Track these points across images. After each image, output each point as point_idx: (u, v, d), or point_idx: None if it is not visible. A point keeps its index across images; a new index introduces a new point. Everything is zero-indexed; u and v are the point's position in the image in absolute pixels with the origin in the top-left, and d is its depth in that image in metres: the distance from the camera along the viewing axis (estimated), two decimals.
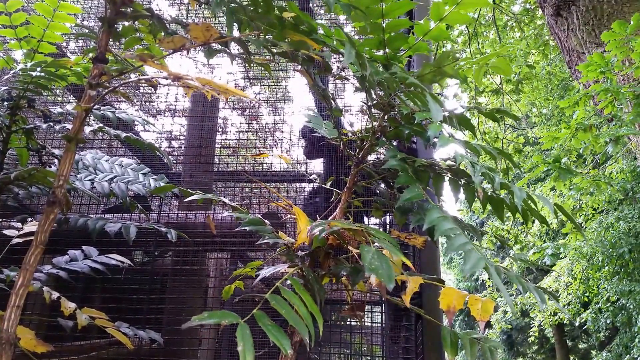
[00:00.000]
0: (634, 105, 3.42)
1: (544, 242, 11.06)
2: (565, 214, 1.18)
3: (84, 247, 1.89)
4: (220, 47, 1.16)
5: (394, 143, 1.27)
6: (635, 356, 10.79)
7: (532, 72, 9.33)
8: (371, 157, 1.26)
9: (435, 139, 1.04)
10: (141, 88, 3.49)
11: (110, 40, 1.15)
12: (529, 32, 9.22)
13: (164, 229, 1.97)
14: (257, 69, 3.29)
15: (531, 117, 12.84)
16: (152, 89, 3.46)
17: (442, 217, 0.95)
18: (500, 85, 8.86)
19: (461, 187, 1.12)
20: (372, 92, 1.08)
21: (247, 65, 1.25)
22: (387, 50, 1.12)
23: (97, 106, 1.93)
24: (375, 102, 1.11)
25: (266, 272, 1.00)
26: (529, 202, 1.10)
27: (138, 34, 1.24)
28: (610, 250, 10.16)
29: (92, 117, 1.93)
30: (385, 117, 1.13)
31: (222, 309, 3.22)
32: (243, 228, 1.11)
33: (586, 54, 4.21)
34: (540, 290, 1.03)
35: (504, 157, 1.24)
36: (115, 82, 1.15)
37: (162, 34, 1.15)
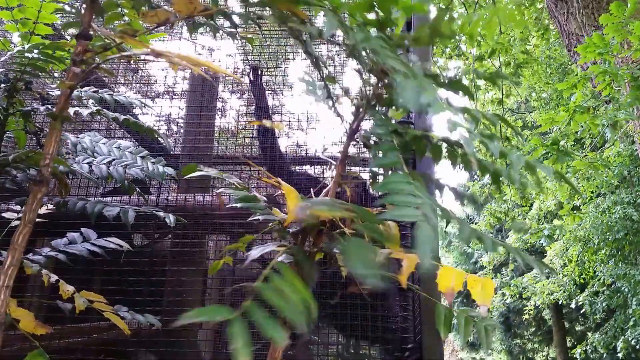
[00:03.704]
0: (632, 88, 3.42)
1: (541, 224, 11.11)
2: (565, 179, 1.15)
3: (82, 230, 1.89)
4: (205, 20, 1.14)
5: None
6: (629, 338, 10.89)
7: (532, 55, 9.29)
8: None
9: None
10: (140, 71, 3.48)
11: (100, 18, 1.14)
12: (529, 15, 9.16)
13: (162, 214, 1.97)
14: (257, 53, 3.27)
15: (530, 101, 12.81)
16: (151, 72, 3.45)
17: (401, 181, 0.85)
18: (499, 69, 8.83)
19: (459, 157, 1.05)
20: (365, 58, 1.05)
21: (243, 47, 1.23)
22: (380, 13, 1.05)
23: (94, 89, 1.93)
24: (369, 67, 1.07)
25: (256, 253, 0.98)
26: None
27: (120, 10, 1.22)
28: (607, 233, 10.21)
29: (90, 100, 1.92)
30: (379, 84, 1.09)
31: (221, 291, 3.23)
32: (237, 207, 1.10)
33: (585, 37, 4.20)
34: (541, 262, 0.98)
35: (503, 123, 1.19)
36: (99, 59, 1.13)
37: (145, 7, 1.13)
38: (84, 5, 1.12)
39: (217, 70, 1.09)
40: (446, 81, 1.02)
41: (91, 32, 1.12)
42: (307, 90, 1.15)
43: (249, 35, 1.28)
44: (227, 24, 1.19)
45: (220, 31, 1.22)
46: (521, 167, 0.95)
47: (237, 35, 1.21)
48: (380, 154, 0.93)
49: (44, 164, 1.03)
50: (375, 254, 0.84)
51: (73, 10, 1.35)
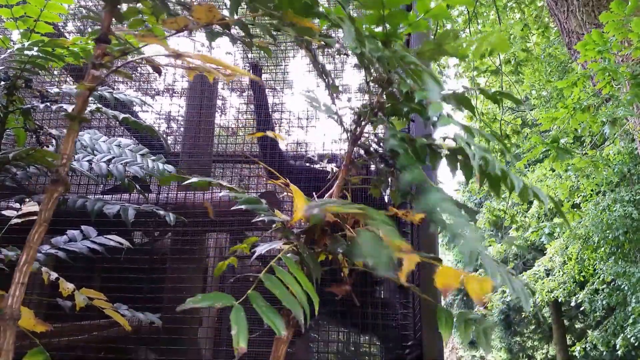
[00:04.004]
0: (632, 86, 3.42)
1: (541, 222, 11.11)
2: (558, 208, 1.18)
3: (82, 227, 1.89)
4: (222, 29, 1.16)
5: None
6: (628, 335, 10.91)
7: (533, 54, 9.28)
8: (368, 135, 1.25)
9: (435, 119, 1.04)
10: (139, 68, 3.48)
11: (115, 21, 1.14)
12: (529, 13, 9.15)
13: (162, 212, 1.97)
14: (256, 51, 3.26)
15: (530, 99, 12.81)
16: (150, 70, 3.44)
17: (443, 199, 0.94)
18: (499, 67, 8.82)
19: (473, 170, 1.11)
20: (371, 68, 1.08)
21: (246, 46, 1.24)
22: (387, 26, 1.10)
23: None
24: (373, 77, 1.10)
25: (262, 249, 1.00)
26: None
27: (141, 16, 1.23)
28: (607, 231, 10.22)
29: (90, 98, 1.92)
30: (384, 94, 1.13)
31: (221, 287, 3.24)
32: (240, 207, 1.11)
33: (585, 35, 4.20)
34: (526, 290, 1.03)
35: (498, 141, 1.23)
36: (117, 62, 1.14)
37: (165, 15, 1.14)
38: (104, 9, 1.12)
39: (239, 72, 1.10)
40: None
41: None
42: (312, 105, 1.18)
43: (255, 40, 1.28)
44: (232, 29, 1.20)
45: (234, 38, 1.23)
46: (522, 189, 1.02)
47: (253, 46, 1.22)
48: (403, 168, 1.01)
49: (62, 164, 1.03)
50: (386, 246, 0.86)
51: (92, 14, 1.36)
